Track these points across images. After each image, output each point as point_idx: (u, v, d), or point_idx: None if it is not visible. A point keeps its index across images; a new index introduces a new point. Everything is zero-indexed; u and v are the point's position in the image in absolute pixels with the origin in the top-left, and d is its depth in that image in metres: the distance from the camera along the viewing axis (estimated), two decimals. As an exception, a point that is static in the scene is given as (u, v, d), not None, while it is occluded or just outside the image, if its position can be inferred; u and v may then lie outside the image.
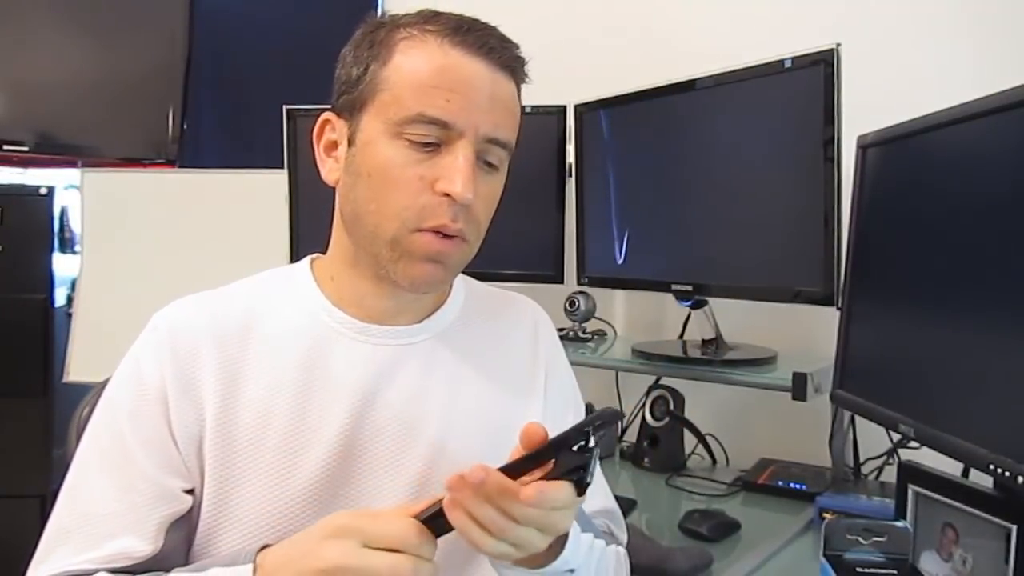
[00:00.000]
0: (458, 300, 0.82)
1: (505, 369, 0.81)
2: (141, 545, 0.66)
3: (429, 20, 0.70)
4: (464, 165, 0.67)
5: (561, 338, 1.56)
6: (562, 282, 1.59)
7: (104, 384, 0.74)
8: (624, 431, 1.61)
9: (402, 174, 0.68)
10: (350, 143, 0.72)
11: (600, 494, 0.85)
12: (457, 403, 0.76)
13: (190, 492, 0.69)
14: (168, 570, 0.66)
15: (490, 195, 0.73)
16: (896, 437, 1.24)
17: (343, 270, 0.76)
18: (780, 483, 1.29)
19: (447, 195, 0.68)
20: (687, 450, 1.47)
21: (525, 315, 0.87)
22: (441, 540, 0.64)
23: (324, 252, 0.80)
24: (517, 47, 0.73)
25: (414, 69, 0.68)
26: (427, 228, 0.69)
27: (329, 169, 0.75)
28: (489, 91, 0.69)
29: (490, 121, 0.69)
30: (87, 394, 0.91)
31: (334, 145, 0.75)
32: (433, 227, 0.69)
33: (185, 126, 2.11)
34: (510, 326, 0.84)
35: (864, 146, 1.07)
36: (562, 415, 0.82)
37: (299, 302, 0.76)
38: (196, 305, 0.75)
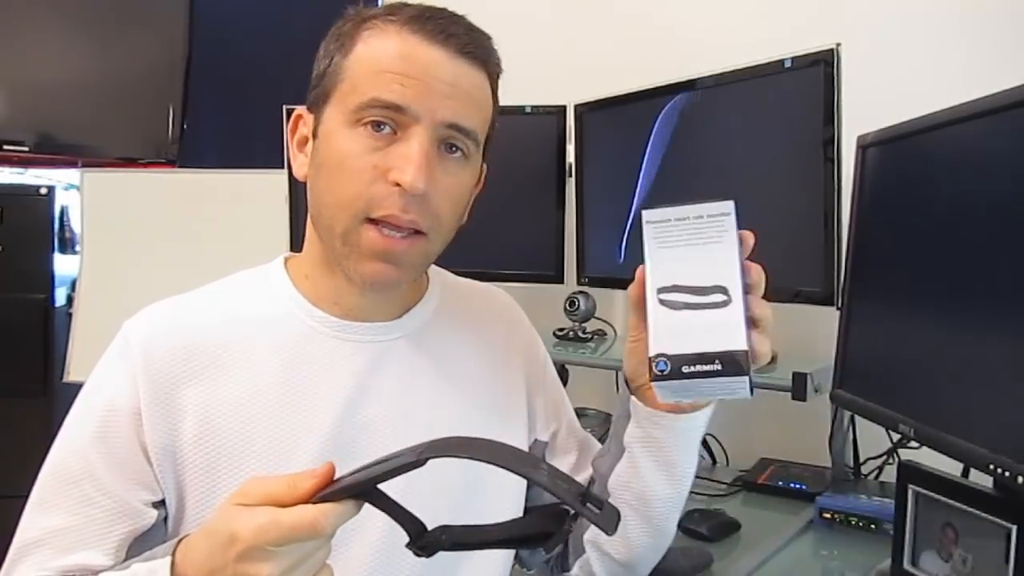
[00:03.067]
0: (435, 293, 0.82)
1: (485, 360, 0.82)
2: (101, 559, 0.65)
3: (393, 11, 0.69)
4: (417, 153, 0.65)
5: (561, 338, 1.59)
6: (562, 282, 1.59)
7: None
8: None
9: (356, 163, 0.67)
10: (315, 136, 0.71)
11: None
12: (442, 396, 0.76)
13: (160, 504, 0.68)
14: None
15: (454, 187, 0.70)
16: (896, 437, 1.24)
17: (317, 268, 0.75)
18: (780, 483, 1.29)
19: (399, 184, 0.66)
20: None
21: (498, 305, 0.88)
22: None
23: (300, 250, 0.79)
24: (486, 36, 0.71)
25: (371, 56, 0.67)
26: (376, 218, 0.67)
27: (299, 164, 0.74)
28: (449, 77, 0.67)
29: (449, 107, 0.67)
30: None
31: (306, 140, 0.74)
32: (382, 216, 0.67)
33: (185, 126, 2.11)
34: (486, 318, 0.85)
35: (864, 146, 1.06)
36: (543, 400, 0.86)
37: (276, 302, 0.74)
38: (169, 312, 0.73)
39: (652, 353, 0.58)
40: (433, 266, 0.82)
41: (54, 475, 0.68)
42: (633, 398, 0.75)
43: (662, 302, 0.59)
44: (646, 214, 0.62)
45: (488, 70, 0.72)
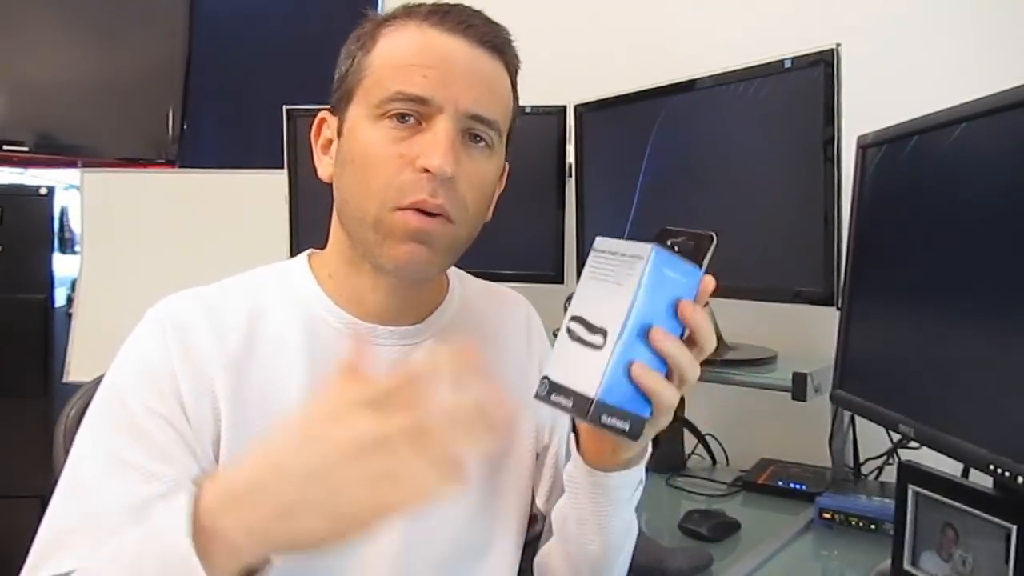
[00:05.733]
0: (455, 296, 0.81)
1: (503, 364, 0.82)
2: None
3: (411, 9, 0.72)
4: (443, 139, 0.67)
5: (561, 338, 1.58)
6: (562, 282, 1.59)
7: (93, 384, 0.69)
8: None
9: (382, 153, 0.68)
10: (339, 135, 0.73)
11: None
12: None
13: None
14: None
15: (479, 174, 0.71)
16: (896, 437, 1.24)
17: (341, 267, 0.75)
18: (780, 483, 1.29)
19: (427, 170, 0.67)
20: (687, 450, 1.47)
21: (518, 311, 0.88)
22: (447, 535, 0.69)
23: (322, 248, 0.79)
24: (504, 29, 0.73)
25: (392, 51, 0.69)
26: (407, 205, 0.67)
27: (324, 166, 0.75)
28: (468, 66, 0.69)
29: (470, 96, 0.68)
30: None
31: (329, 143, 0.75)
32: (412, 203, 0.67)
33: (185, 126, 2.11)
34: (505, 322, 0.85)
35: (864, 146, 1.06)
36: (547, 416, 0.84)
37: (299, 302, 0.74)
38: (196, 301, 0.71)
39: (543, 373, 0.61)
40: (452, 267, 0.82)
41: (101, 448, 0.64)
42: (571, 436, 0.73)
43: (568, 329, 0.60)
44: (597, 241, 0.63)
45: (506, 60, 0.73)
